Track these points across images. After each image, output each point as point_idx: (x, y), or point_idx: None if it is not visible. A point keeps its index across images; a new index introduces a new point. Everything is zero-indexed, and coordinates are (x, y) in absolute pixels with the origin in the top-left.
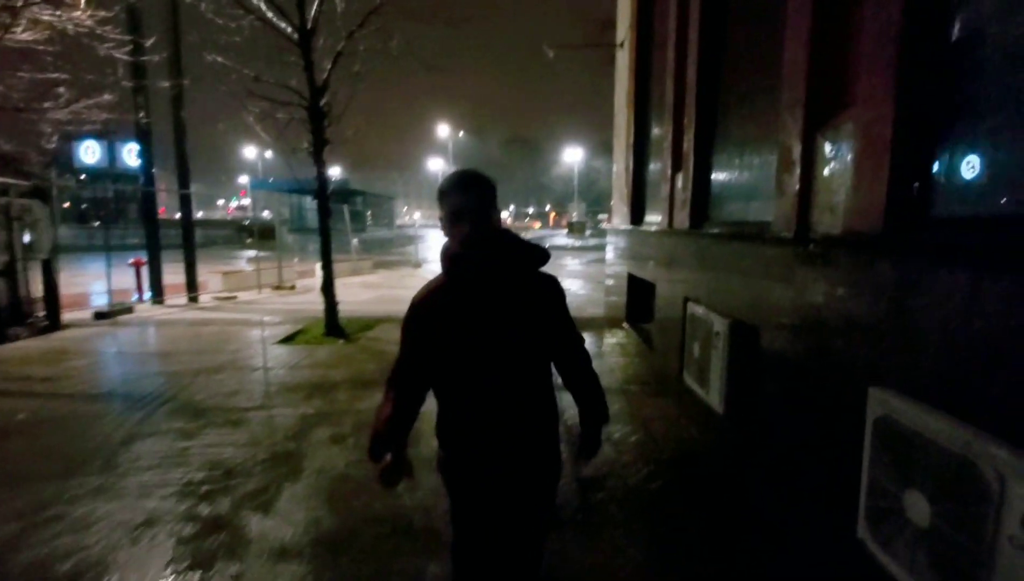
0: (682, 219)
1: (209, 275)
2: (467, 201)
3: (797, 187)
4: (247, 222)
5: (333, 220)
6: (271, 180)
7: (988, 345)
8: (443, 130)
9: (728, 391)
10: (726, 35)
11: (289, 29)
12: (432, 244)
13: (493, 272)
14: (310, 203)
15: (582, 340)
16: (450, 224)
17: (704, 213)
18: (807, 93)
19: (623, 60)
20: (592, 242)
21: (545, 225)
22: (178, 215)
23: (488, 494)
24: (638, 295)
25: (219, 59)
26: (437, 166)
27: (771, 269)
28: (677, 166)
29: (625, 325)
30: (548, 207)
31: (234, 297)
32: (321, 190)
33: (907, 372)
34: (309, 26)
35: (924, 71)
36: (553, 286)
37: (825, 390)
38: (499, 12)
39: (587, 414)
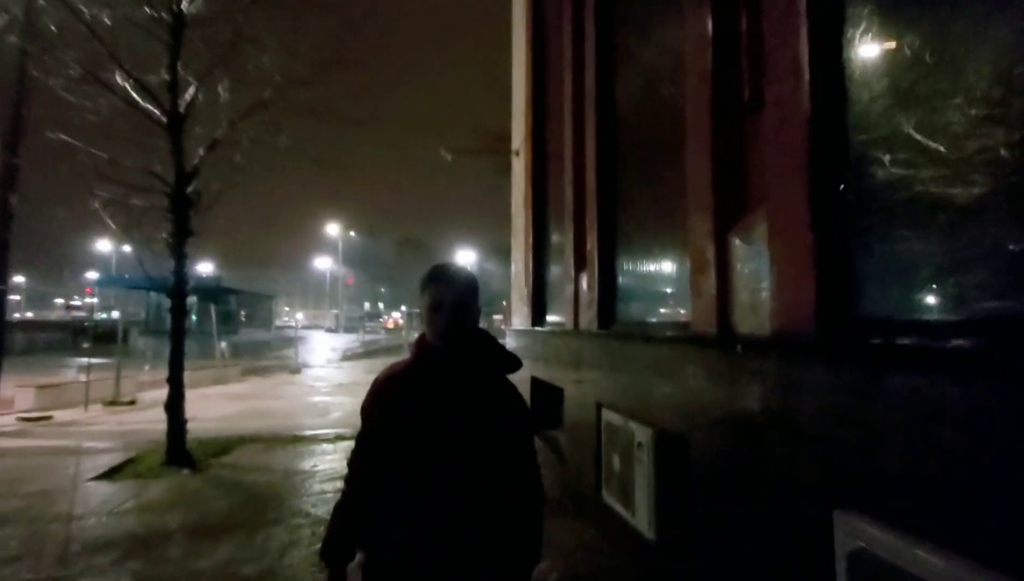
0: (589, 319)
1: (18, 390)
2: (448, 292)
3: (714, 289)
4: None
5: (201, 322)
6: (126, 276)
7: (944, 455)
8: (333, 229)
9: (659, 513)
10: (624, 142)
11: (157, 112)
12: (316, 346)
13: (463, 366)
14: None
15: (537, 476)
16: (430, 314)
17: (611, 313)
18: (715, 195)
19: (519, 166)
20: None
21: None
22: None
23: None
24: (543, 400)
25: (63, 137)
26: (325, 265)
27: (695, 372)
28: (580, 266)
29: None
30: None
31: (49, 417)
32: (178, 285)
33: (868, 492)
34: (182, 111)
35: (837, 170)
36: (514, 397)
37: (778, 512)
38: (396, 116)
39: (511, 550)
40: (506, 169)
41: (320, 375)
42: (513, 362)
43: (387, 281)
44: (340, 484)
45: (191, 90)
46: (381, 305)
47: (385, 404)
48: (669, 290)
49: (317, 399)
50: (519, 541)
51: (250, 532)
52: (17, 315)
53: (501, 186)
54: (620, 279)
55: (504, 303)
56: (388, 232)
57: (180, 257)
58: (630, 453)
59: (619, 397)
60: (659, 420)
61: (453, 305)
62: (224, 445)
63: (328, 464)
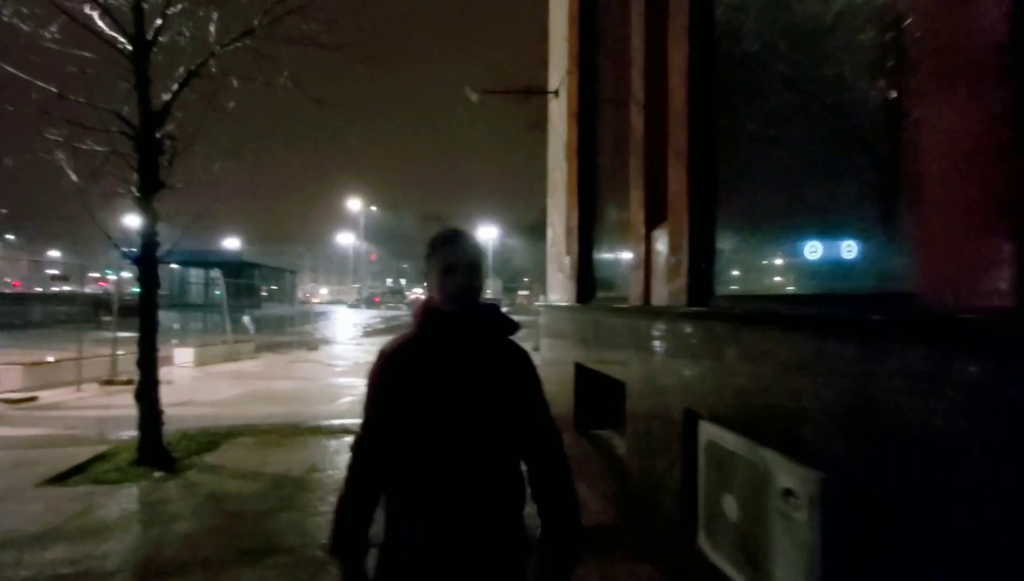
0: (671, 292)
1: (4, 368)
2: (460, 255)
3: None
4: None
5: (220, 295)
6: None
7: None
8: (354, 204)
9: None
10: (730, 40)
11: (122, 39)
12: (338, 322)
13: (471, 329)
14: (194, 275)
15: (559, 436)
16: (441, 277)
17: (708, 284)
18: None
19: (558, 109)
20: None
21: None
22: (39, 288)
23: None
24: (592, 393)
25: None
26: (347, 241)
27: (916, 378)
28: (656, 219)
29: (573, 432)
30: None
31: (33, 398)
32: (146, 250)
33: None
34: (149, 36)
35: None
36: (525, 358)
37: None
38: (416, 76)
39: (552, 532)
40: (537, 124)
41: (338, 352)
42: (513, 325)
43: (410, 257)
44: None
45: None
46: (404, 281)
47: (397, 376)
48: (842, 246)
49: (331, 380)
50: (560, 516)
51: (212, 577)
52: (40, 289)
53: (528, 150)
54: (723, 236)
55: (525, 280)
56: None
57: (149, 214)
58: (762, 500)
59: (734, 408)
60: (823, 455)
61: (467, 267)
62: (214, 438)
63: (330, 470)
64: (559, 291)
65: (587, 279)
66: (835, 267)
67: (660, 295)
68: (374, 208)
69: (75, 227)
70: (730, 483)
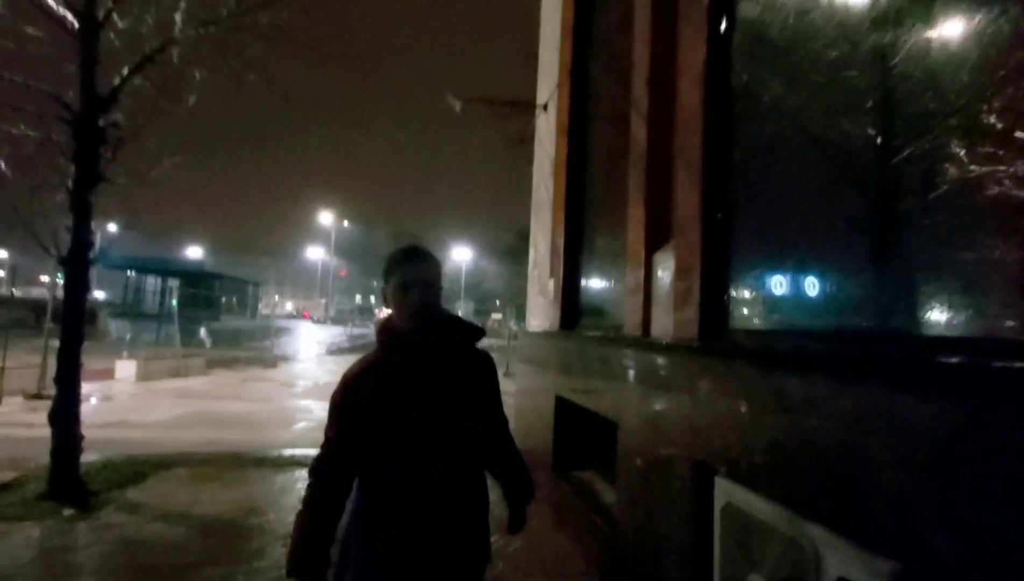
0: (681, 322)
1: None
2: (419, 272)
3: None
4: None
5: (184, 307)
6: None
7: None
8: (326, 218)
9: None
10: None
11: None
12: (300, 338)
13: (434, 345)
14: (151, 283)
15: (507, 421)
16: (400, 294)
17: (723, 314)
18: None
19: (547, 124)
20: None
21: None
22: None
23: None
24: (575, 429)
25: None
26: (317, 255)
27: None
28: (659, 240)
29: (550, 473)
30: None
31: None
32: (76, 249)
33: None
34: (99, 16)
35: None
36: (488, 362)
37: None
38: (393, 87)
39: (514, 493)
40: (522, 141)
41: (298, 371)
42: (477, 331)
43: (380, 275)
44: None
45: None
46: (373, 298)
47: (360, 399)
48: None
49: (287, 403)
50: (516, 481)
51: None
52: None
53: (508, 170)
54: (742, 259)
55: (497, 302)
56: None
57: (82, 210)
58: None
59: (763, 467)
60: (896, 538)
61: (423, 284)
62: (140, 468)
63: (273, 512)
64: (540, 316)
65: (572, 304)
66: (896, 294)
67: (662, 325)
68: (346, 223)
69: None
70: (757, 560)
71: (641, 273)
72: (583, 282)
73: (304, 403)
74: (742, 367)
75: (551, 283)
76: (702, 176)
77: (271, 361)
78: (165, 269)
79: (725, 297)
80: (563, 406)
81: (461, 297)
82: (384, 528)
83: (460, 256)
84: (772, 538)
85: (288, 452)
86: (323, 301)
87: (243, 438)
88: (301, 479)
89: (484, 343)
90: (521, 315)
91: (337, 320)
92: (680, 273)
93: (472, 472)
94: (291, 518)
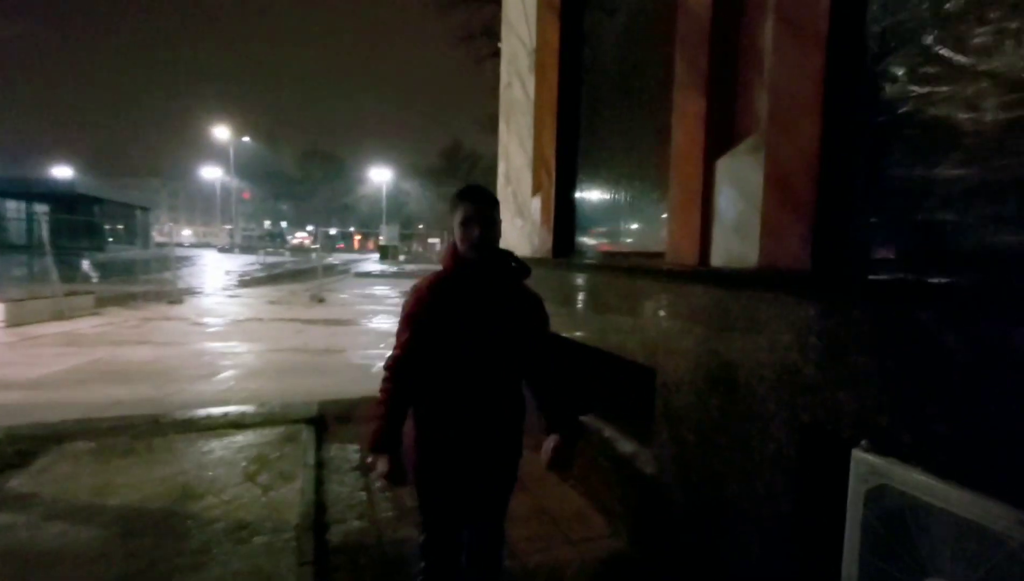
0: (775, 250)
1: None
2: (479, 209)
3: None
4: None
5: (58, 236)
6: None
7: None
8: (222, 133)
9: None
10: None
11: None
12: (207, 269)
13: (490, 272)
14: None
15: (555, 358)
16: (463, 228)
17: (842, 242)
18: None
19: (524, 5)
20: (411, 268)
21: (349, 248)
22: None
23: (461, 469)
24: (569, 368)
25: None
26: (214, 175)
27: None
28: (728, 137)
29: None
30: (352, 229)
31: None
32: None
33: None
34: None
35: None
36: (537, 300)
37: None
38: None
39: (567, 429)
40: (470, 37)
41: (210, 307)
42: (526, 269)
43: (290, 197)
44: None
45: None
46: (284, 224)
47: (430, 307)
48: None
49: (204, 345)
50: (567, 403)
51: None
52: None
53: (443, 78)
54: (881, 168)
55: (420, 226)
56: (291, 142)
57: None
58: None
59: (951, 448)
60: None
61: (483, 219)
62: (25, 444)
63: (214, 495)
64: (517, 241)
65: (567, 227)
66: None
67: (731, 253)
68: (246, 139)
69: None
70: (940, 563)
71: (697, 185)
72: (584, 199)
73: (226, 346)
74: (899, 309)
75: (535, 202)
76: (826, 46)
77: (176, 296)
78: (27, 191)
79: (853, 218)
80: (560, 345)
81: (383, 220)
82: (440, 419)
83: (380, 178)
84: (974, 538)
85: (219, 411)
86: (227, 227)
87: (157, 395)
88: (245, 446)
89: (416, 267)
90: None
91: (246, 248)
92: (776, 183)
93: (512, 385)
94: (240, 499)
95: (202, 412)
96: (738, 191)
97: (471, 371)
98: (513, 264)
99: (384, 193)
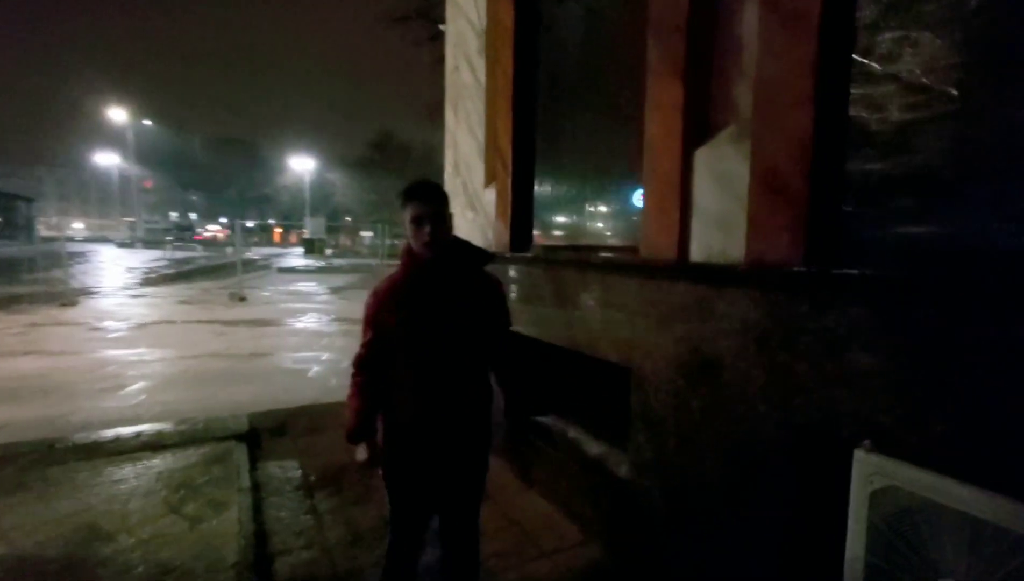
0: (759, 243)
1: None
2: (427, 207)
3: None
4: None
5: None
6: None
7: None
8: (118, 115)
9: None
10: None
11: None
12: (104, 265)
13: (445, 267)
14: None
15: (512, 337)
16: (414, 226)
17: (834, 235)
18: None
19: None
20: (340, 262)
21: (268, 242)
22: None
23: (428, 456)
24: (530, 367)
25: None
26: (111, 162)
27: None
28: (707, 125)
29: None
30: (272, 222)
31: None
32: None
33: None
34: None
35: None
36: (495, 285)
37: None
38: None
39: (515, 407)
40: (404, 18)
41: (110, 309)
42: (486, 256)
43: (200, 187)
44: None
45: None
46: (194, 215)
47: (389, 308)
48: None
49: (104, 353)
50: (516, 386)
51: None
52: None
53: (374, 62)
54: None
55: (348, 219)
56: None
57: None
58: None
59: (957, 445)
60: None
61: (434, 217)
62: None
63: (130, 532)
64: (469, 234)
65: (525, 220)
66: None
67: (712, 246)
68: (147, 122)
69: None
70: (949, 564)
71: (674, 177)
72: (542, 191)
73: (132, 353)
74: (898, 305)
75: (488, 193)
76: (818, 32)
77: (69, 297)
78: None
79: (846, 212)
80: (519, 343)
81: (307, 212)
82: (403, 412)
83: (302, 167)
84: (990, 538)
85: (131, 430)
86: (128, 220)
87: (51, 414)
88: (165, 472)
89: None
90: (398, 232)
91: (151, 242)
92: (763, 176)
93: (477, 370)
94: (163, 536)
95: (109, 433)
96: (720, 183)
97: (434, 363)
98: (469, 255)
99: (308, 184)
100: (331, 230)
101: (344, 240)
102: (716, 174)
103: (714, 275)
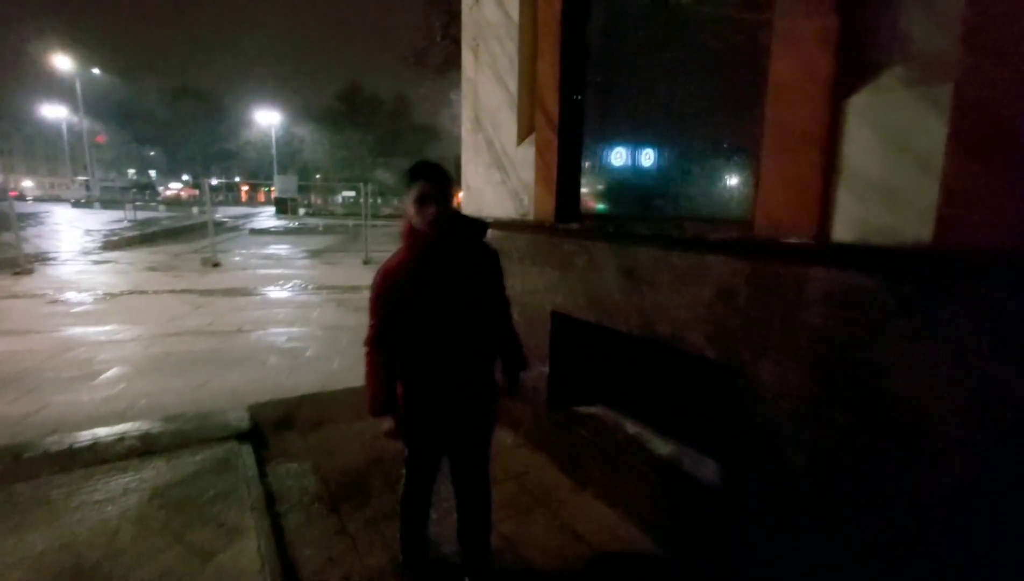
0: (961, 219)
1: None
2: (432, 186)
3: None
4: None
5: None
6: None
7: None
8: (65, 63)
9: None
10: None
11: None
12: (62, 227)
13: (448, 243)
14: None
15: (508, 302)
16: (418, 204)
17: None
18: None
19: None
20: (315, 222)
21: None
22: None
23: (443, 415)
24: (580, 352)
25: None
26: (58, 115)
27: None
28: (862, 68)
29: (546, 410)
30: (237, 179)
31: None
32: None
33: None
34: None
35: None
36: (493, 255)
37: None
38: None
39: (509, 364)
40: None
41: (71, 277)
42: (483, 227)
43: (161, 143)
44: None
45: None
46: (153, 173)
47: (397, 286)
48: None
49: (72, 331)
50: (511, 355)
51: None
52: None
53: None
54: None
55: (317, 177)
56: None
57: None
58: None
59: None
60: None
61: (439, 197)
62: None
63: (133, 574)
64: (495, 199)
65: (573, 184)
66: None
67: (868, 223)
68: (97, 71)
69: None
70: None
71: (815, 132)
72: (596, 150)
73: (102, 331)
74: None
75: (522, 152)
76: None
77: (22, 265)
78: None
79: None
80: (565, 325)
81: (274, 169)
82: (417, 378)
83: (268, 120)
84: None
85: (112, 431)
86: (81, 178)
87: (12, 412)
88: (159, 487)
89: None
90: (395, 192)
91: (109, 202)
92: (973, 134)
93: (482, 337)
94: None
95: (86, 436)
96: (889, 140)
97: (445, 333)
98: (469, 229)
99: (274, 139)
100: (302, 189)
101: (316, 198)
102: (883, 127)
103: (878, 259)
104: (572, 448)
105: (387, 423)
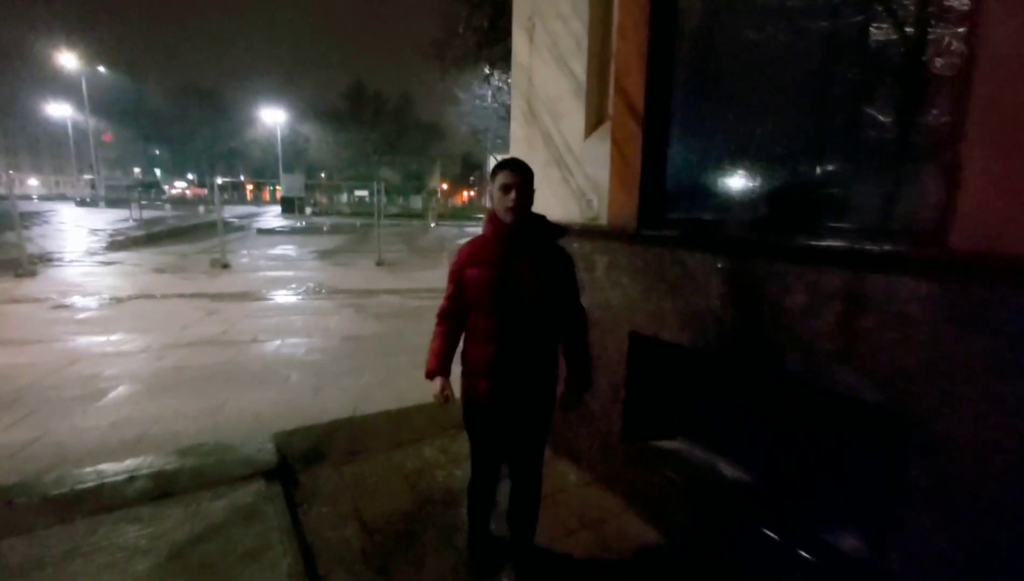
0: None
1: None
2: (516, 178)
3: None
4: None
5: None
6: None
7: None
8: (70, 61)
9: None
10: None
11: None
12: (67, 226)
13: (525, 233)
14: None
15: (584, 312)
16: (501, 193)
17: None
18: None
19: None
20: (321, 222)
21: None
22: None
23: (504, 403)
24: (662, 380)
25: None
26: (63, 112)
27: None
28: None
29: (620, 447)
30: (242, 178)
31: None
32: None
33: None
34: None
35: None
36: (569, 259)
37: None
38: None
39: (575, 379)
40: None
41: (76, 279)
42: (559, 230)
43: (166, 141)
44: None
45: None
46: (159, 171)
47: (472, 263)
48: None
49: (76, 341)
50: (578, 369)
51: None
52: None
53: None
54: None
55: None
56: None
57: None
58: None
59: None
60: None
61: (519, 186)
62: None
63: None
64: (554, 200)
65: (658, 184)
66: None
67: None
68: (102, 69)
69: None
70: None
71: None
72: (699, 147)
73: (108, 341)
74: None
75: (590, 147)
76: None
77: (26, 266)
78: None
79: None
80: (646, 348)
81: (280, 167)
82: (479, 357)
83: (273, 119)
84: None
85: (120, 469)
86: (87, 177)
87: (6, 440)
88: (177, 543)
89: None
90: (400, 190)
91: (115, 201)
92: None
93: (543, 333)
94: None
95: (90, 475)
96: None
97: (509, 316)
98: (544, 228)
99: (279, 137)
100: (308, 188)
101: (321, 197)
102: None
103: None
104: (656, 491)
105: (437, 384)
